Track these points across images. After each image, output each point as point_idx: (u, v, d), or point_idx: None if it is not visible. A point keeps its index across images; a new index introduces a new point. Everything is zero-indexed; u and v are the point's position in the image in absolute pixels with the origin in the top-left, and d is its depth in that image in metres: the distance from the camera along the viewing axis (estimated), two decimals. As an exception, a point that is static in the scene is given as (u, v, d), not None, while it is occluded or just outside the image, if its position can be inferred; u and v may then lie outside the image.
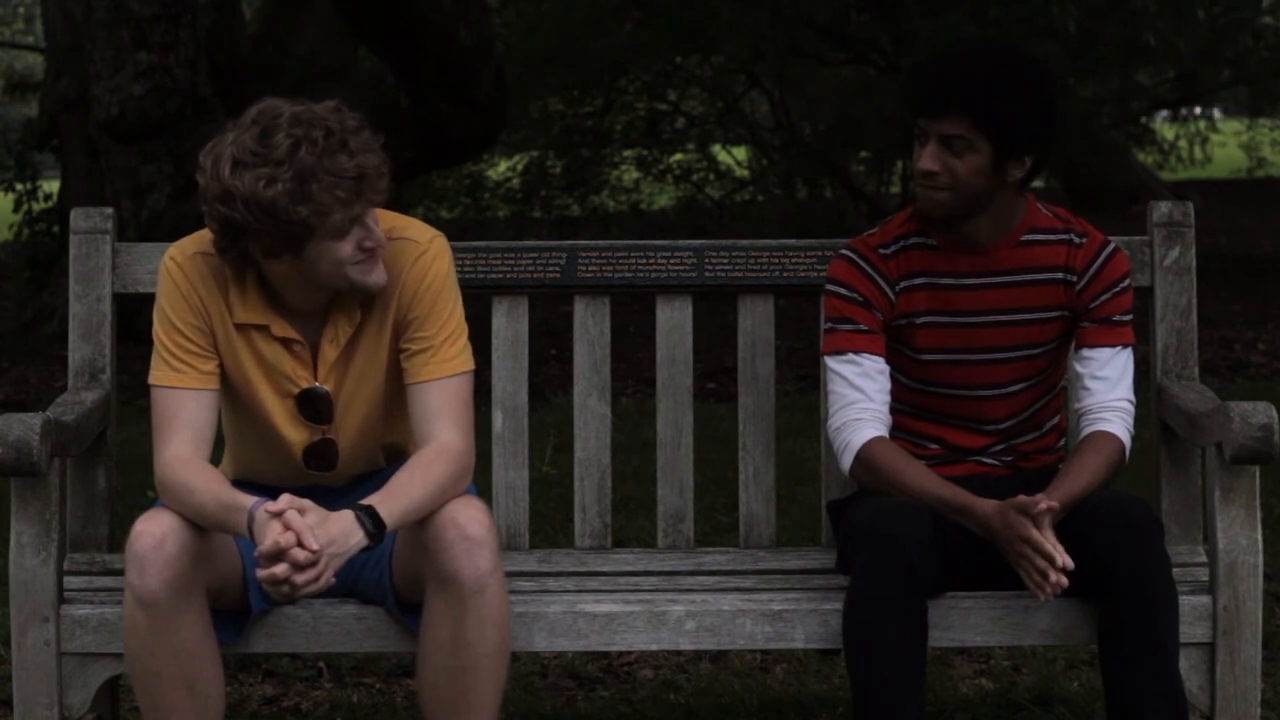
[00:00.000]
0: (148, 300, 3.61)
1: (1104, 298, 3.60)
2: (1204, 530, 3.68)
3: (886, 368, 3.60)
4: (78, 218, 3.83)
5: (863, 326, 3.59)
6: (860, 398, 3.57)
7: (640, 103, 15.91)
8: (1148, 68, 14.36)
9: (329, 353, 3.44)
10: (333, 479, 3.53)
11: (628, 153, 15.90)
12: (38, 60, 19.07)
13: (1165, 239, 3.84)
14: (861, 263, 3.61)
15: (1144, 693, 3.35)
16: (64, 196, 11.51)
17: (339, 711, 4.27)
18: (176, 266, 3.43)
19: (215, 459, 3.45)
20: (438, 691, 3.32)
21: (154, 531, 3.24)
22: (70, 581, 3.54)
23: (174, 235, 3.69)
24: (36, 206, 12.31)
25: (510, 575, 3.52)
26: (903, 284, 3.61)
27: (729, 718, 4.19)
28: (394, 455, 3.55)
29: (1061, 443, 3.75)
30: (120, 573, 3.37)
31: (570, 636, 3.52)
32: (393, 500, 3.25)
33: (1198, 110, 19.99)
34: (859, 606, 3.38)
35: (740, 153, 16.85)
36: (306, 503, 3.20)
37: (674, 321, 3.92)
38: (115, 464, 3.84)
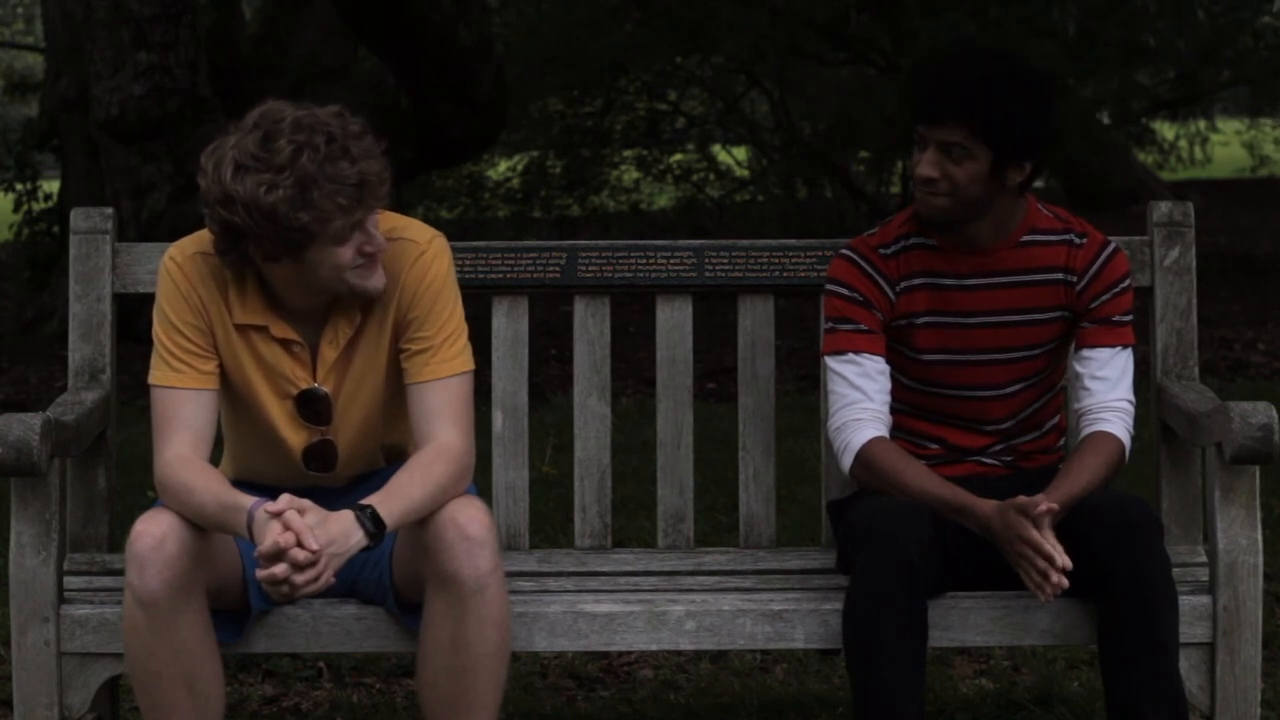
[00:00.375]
0: (148, 300, 3.61)
1: (1104, 298, 3.60)
2: (1204, 530, 3.68)
3: (887, 368, 3.60)
4: (78, 218, 3.83)
5: (863, 326, 3.59)
6: (860, 398, 3.57)
7: (640, 103, 15.90)
8: (1148, 68, 14.35)
9: (328, 354, 3.44)
10: (332, 479, 3.53)
11: (628, 153, 15.90)
12: (38, 60, 19.06)
13: (1165, 239, 3.84)
14: (862, 263, 3.62)
15: (1144, 693, 3.35)
16: (64, 196, 11.51)
17: (339, 711, 4.27)
18: (176, 266, 3.43)
19: (215, 459, 3.45)
20: (438, 691, 3.32)
21: (154, 531, 3.24)
22: (70, 581, 3.54)
23: (174, 235, 3.69)
24: (36, 206, 12.31)
25: (510, 575, 3.52)
26: (903, 284, 3.61)
27: (729, 718, 4.19)
28: (394, 456, 3.55)
29: (1061, 442, 3.75)
30: (120, 573, 3.37)
31: (570, 636, 3.52)
32: (393, 500, 3.25)
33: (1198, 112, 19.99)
34: (859, 606, 3.38)
35: (740, 153, 16.85)
36: (306, 503, 3.20)
37: (674, 321, 3.92)
38: (115, 464, 3.84)
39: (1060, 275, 3.60)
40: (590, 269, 3.90)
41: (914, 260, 3.61)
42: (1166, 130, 20.11)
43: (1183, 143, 20.52)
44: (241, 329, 3.42)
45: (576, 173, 15.54)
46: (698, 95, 16.40)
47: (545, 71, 13.91)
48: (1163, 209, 3.87)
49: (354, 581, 3.45)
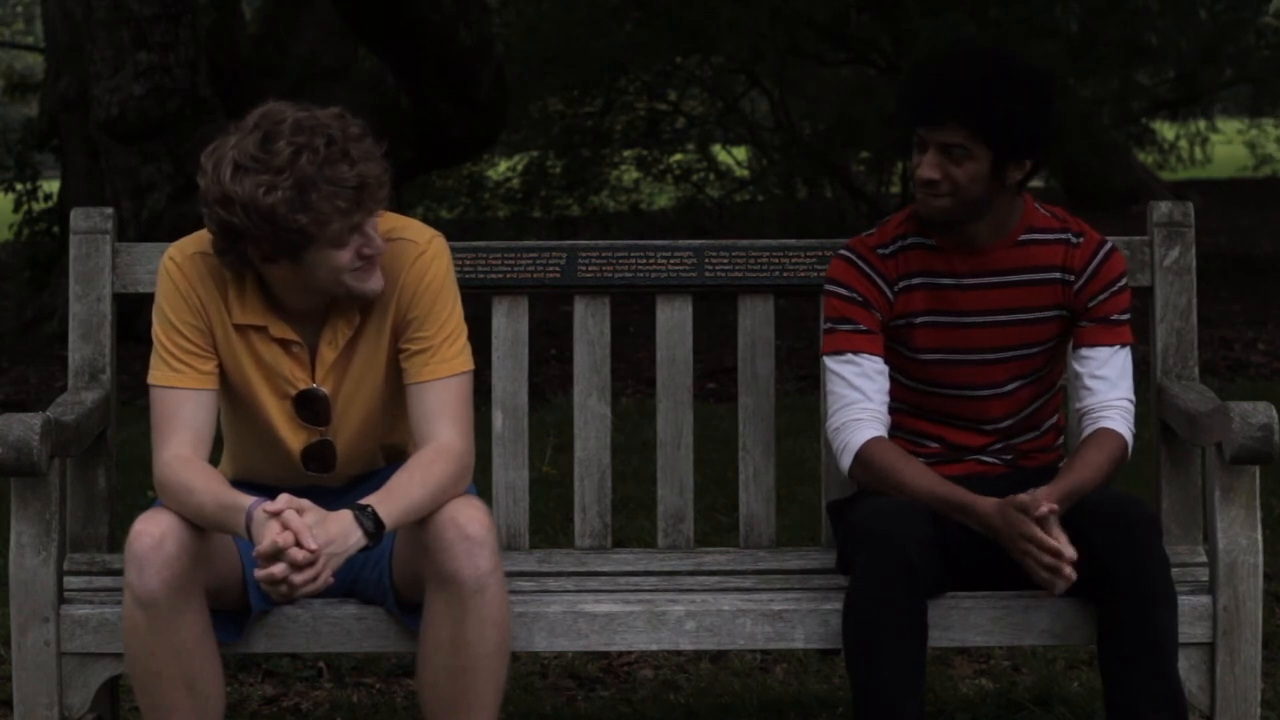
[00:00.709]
0: (148, 300, 3.61)
1: (1101, 297, 3.60)
2: (1204, 530, 3.68)
3: (885, 368, 3.60)
4: (78, 218, 3.83)
5: (862, 326, 3.59)
6: (859, 398, 3.57)
7: (640, 103, 15.90)
8: (1148, 68, 14.34)
9: (327, 354, 3.44)
10: (332, 480, 3.53)
11: (628, 153, 15.90)
12: (38, 60, 19.06)
13: (1165, 239, 3.84)
14: (860, 263, 3.62)
15: (1144, 693, 3.35)
16: (64, 196, 11.51)
17: (339, 711, 4.27)
18: (176, 266, 3.43)
19: (215, 459, 3.45)
20: (438, 691, 3.32)
21: (153, 531, 3.24)
22: (70, 581, 3.54)
23: (174, 235, 3.69)
24: (36, 206, 12.31)
25: (510, 575, 3.52)
26: (901, 284, 3.61)
27: (729, 718, 4.19)
28: (394, 456, 3.55)
29: (1060, 441, 3.75)
30: (120, 573, 3.37)
31: (570, 636, 3.52)
32: (392, 500, 3.25)
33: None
34: (859, 607, 3.38)
35: (740, 153, 16.85)
36: (305, 502, 3.20)
37: (674, 321, 3.92)
38: (115, 464, 3.84)
39: (1058, 274, 3.60)
40: (590, 269, 3.90)
41: (912, 260, 3.61)
42: (1166, 130, 20.13)
43: (1183, 143, 20.53)
44: (241, 329, 3.42)
45: (576, 173, 15.54)
46: (698, 95, 16.39)
47: (545, 71, 13.91)
48: (1163, 209, 3.87)
49: (354, 581, 3.45)
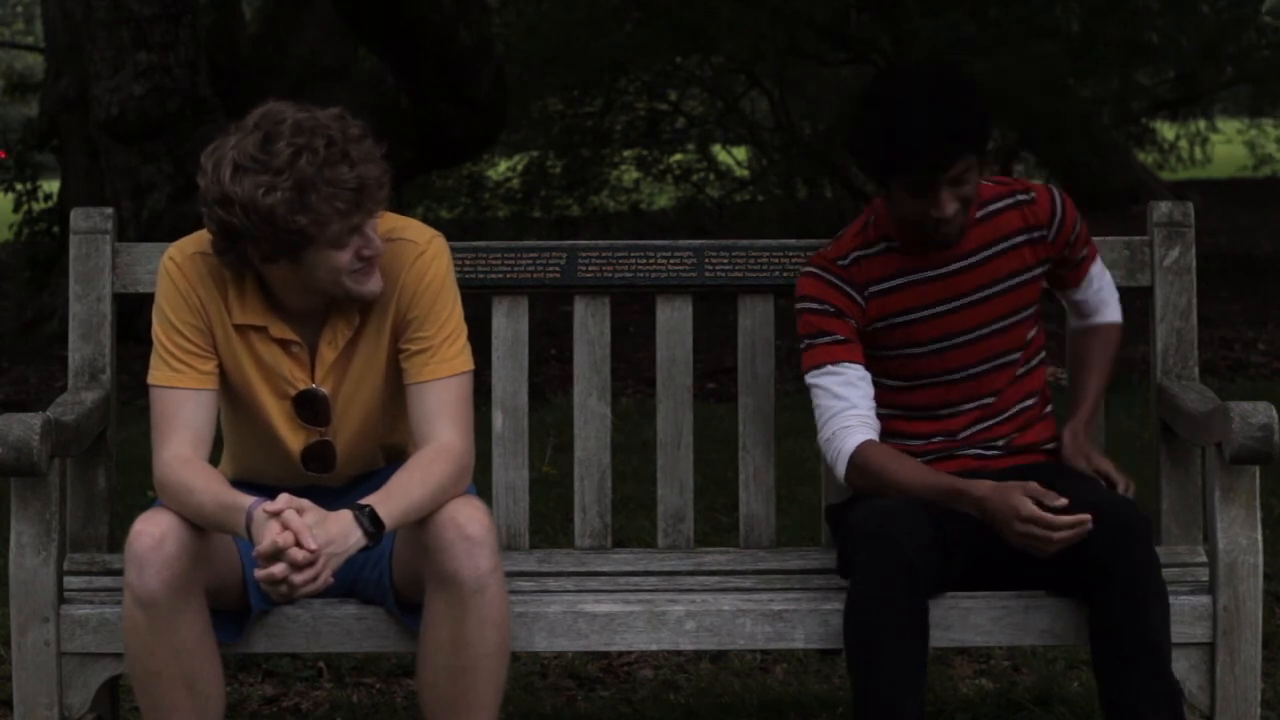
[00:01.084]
0: (148, 300, 3.61)
1: (1073, 238, 3.70)
2: (1204, 530, 3.68)
3: (868, 374, 3.63)
4: (78, 218, 3.83)
5: (839, 336, 3.63)
6: (845, 405, 3.60)
7: (640, 103, 15.91)
8: (1148, 67, 14.34)
9: (327, 354, 3.44)
10: (332, 480, 3.53)
11: (628, 153, 15.90)
12: (38, 60, 19.07)
13: (1165, 239, 3.85)
14: (826, 275, 3.66)
15: (1143, 692, 3.36)
16: (64, 196, 11.51)
17: (339, 711, 4.27)
18: (176, 266, 3.43)
19: (215, 459, 3.45)
20: (438, 691, 3.32)
21: (153, 531, 3.24)
22: (70, 581, 3.54)
23: (174, 235, 3.69)
24: (36, 206, 12.31)
25: (510, 575, 3.52)
26: (872, 289, 3.64)
27: (729, 718, 4.19)
28: (394, 456, 3.55)
29: (1049, 409, 3.76)
30: (120, 573, 3.37)
31: (570, 636, 3.52)
32: (392, 500, 3.25)
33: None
34: (859, 607, 3.38)
35: (740, 153, 16.86)
36: (305, 502, 3.20)
37: (674, 321, 3.92)
38: (115, 464, 3.84)
39: (1024, 236, 3.66)
40: (590, 269, 3.90)
41: (884, 265, 3.64)
42: (1166, 130, 20.13)
43: (1183, 143, 20.53)
44: (240, 329, 3.42)
45: (576, 173, 15.55)
46: (698, 95, 16.40)
47: (545, 71, 13.91)
48: (1163, 209, 3.87)
49: (354, 581, 3.45)
